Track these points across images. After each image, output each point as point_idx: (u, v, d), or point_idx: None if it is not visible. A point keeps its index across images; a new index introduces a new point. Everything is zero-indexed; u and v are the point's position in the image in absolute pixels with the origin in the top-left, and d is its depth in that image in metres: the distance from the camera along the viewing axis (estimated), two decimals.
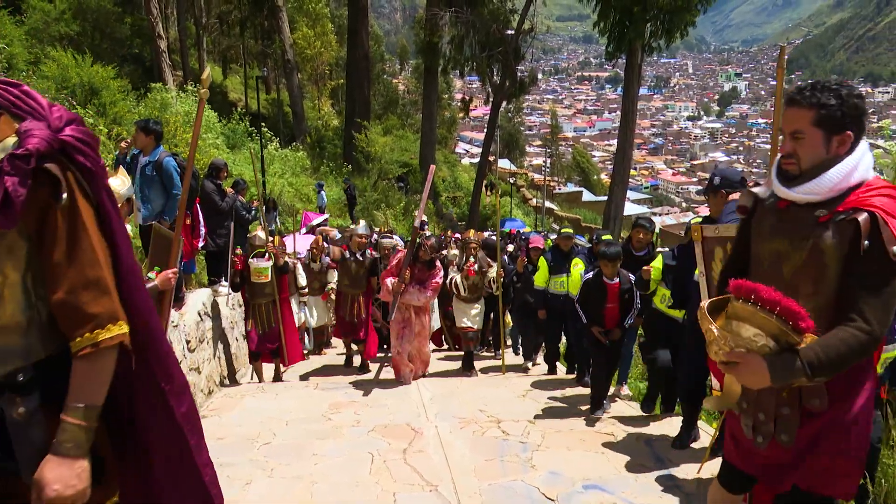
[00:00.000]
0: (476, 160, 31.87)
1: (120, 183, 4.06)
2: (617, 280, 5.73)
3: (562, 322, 7.70)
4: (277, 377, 7.88)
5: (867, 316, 2.05)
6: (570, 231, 7.95)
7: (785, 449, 2.24)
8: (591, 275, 5.93)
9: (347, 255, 8.14)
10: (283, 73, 29.63)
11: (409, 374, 7.13)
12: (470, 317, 8.06)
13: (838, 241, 2.08)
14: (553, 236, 11.23)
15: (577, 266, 7.20)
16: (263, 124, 21.09)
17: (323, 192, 21.06)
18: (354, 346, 8.41)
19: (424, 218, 7.13)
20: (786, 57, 3.60)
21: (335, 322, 8.60)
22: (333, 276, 8.67)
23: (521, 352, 9.27)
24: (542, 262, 7.72)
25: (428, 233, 7.80)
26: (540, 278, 7.73)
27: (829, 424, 2.18)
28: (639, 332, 6.64)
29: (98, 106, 11.76)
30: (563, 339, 8.20)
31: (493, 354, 9.54)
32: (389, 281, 6.90)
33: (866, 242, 2.03)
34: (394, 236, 12.04)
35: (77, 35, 17.93)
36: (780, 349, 2.08)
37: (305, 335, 9.09)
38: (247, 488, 4.16)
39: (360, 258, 8.07)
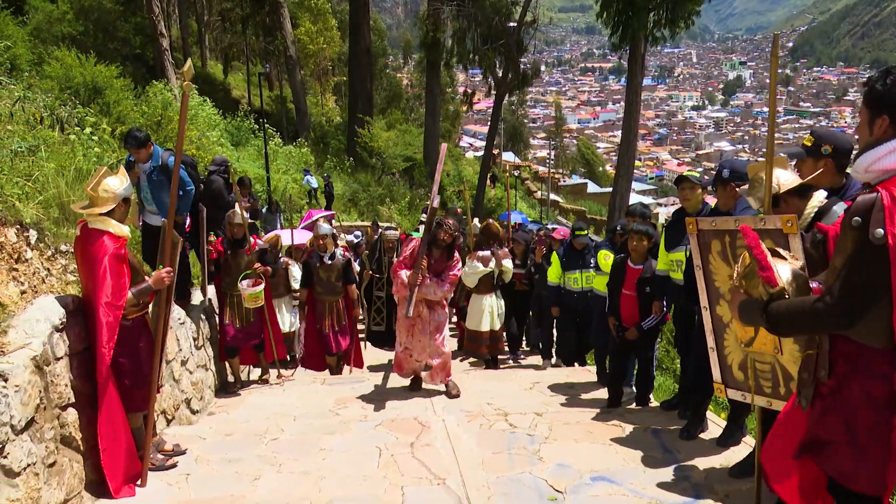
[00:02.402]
0: (480, 154, 31.82)
1: (118, 183, 4.06)
2: (640, 267, 5.56)
3: (576, 318, 7.55)
4: (265, 374, 7.32)
5: (833, 289, 2.16)
6: (585, 231, 7.69)
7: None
8: (620, 256, 5.82)
9: (314, 261, 7.44)
10: (286, 69, 29.61)
11: (411, 371, 6.44)
12: (482, 316, 7.63)
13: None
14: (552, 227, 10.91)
15: (608, 258, 6.78)
16: (265, 121, 21.05)
17: (310, 177, 20.89)
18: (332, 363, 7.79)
19: (437, 200, 6.31)
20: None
21: (304, 340, 7.74)
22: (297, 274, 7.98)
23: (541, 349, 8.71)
24: (555, 258, 7.54)
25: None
26: (553, 274, 7.52)
27: (831, 398, 2.31)
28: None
29: (102, 105, 11.78)
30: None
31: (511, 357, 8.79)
32: (404, 273, 6.05)
33: (857, 219, 2.10)
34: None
35: (79, 35, 17.95)
36: (769, 298, 2.38)
37: (297, 342, 8.20)
38: (255, 483, 4.17)
39: (329, 261, 7.39)
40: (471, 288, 7.69)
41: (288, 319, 8.03)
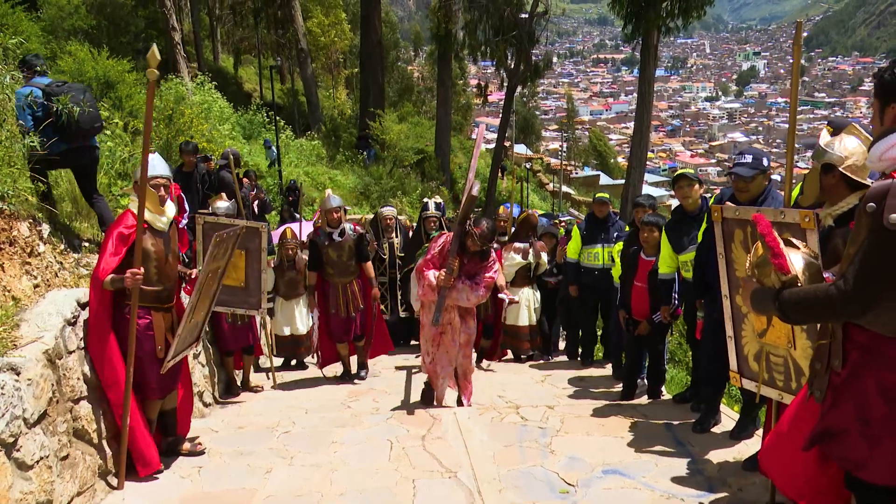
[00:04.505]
0: (492, 146, 31.70)
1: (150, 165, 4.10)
2: (653, 259, 5.50)
3: (597, 300, 7.20)
4: (245, 383, 6.71)
5: (847, 276, 2.13)
6: (606, 196, 7.34)
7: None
8: (633, 248, 5.79)
9: (321, 239, 6.59)
10: (297, 62, 29.60)
11: (444, 389, 5.71)
12: (519, 310, 7.37)
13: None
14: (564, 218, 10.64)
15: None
16: (277, 115, 21.04)
17: (273, 148, 20.12)
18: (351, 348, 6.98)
19: (476, 187, 5.48)
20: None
21: (319, 327, 6.92)
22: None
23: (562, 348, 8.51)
24: (576, 232, 7.25)
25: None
26: (572, 249, 7.17)
27: (844, 387, 2.29)
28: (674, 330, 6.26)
29: (114, 99, 11.80)
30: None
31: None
32: (433, 274, 5.27)
33: (872, 205, 2.08)
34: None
35: (92, 29, 18.01)
36: (781, 286, 2.36)
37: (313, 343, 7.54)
38: (267, 476, 4.18)
39: (338, 238, 6.56)
40: (508, 281, 7.30)
41: (307, 319, 7.52)
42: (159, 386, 4.20)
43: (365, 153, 25.69)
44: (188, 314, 4.10)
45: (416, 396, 5.96)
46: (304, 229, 9.81)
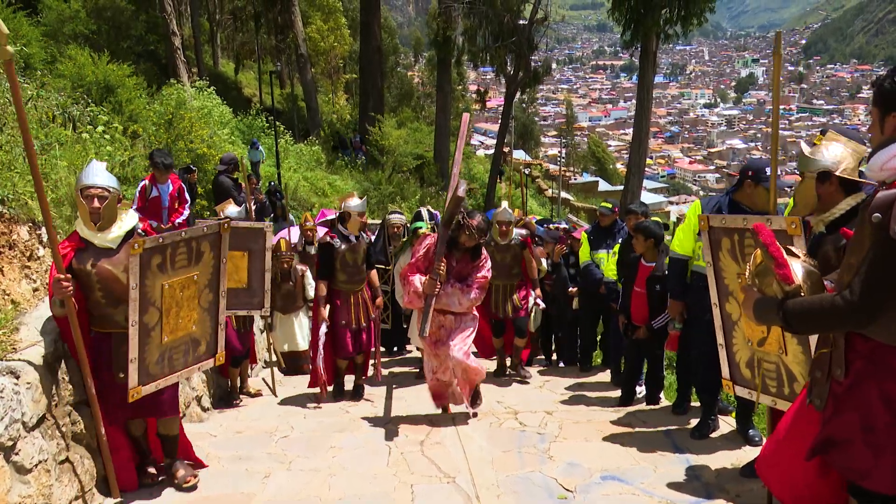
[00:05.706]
0: (491, 152, 31.79)
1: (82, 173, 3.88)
2: (652, 265, 5.53)
3: (600, 306, 7.10)
4: (243, 386, 6.65)
5: (853, 286, 2.11)
6: (609, 206, 7.34)
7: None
8: (634, 255, 5.81)
9: (338, 241, 6.14)
10: (297, 67, 29.67)
11: (455, 395, 5.34)
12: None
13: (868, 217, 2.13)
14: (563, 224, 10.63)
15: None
16: (277, 120, 21.06)
17: (261, 149, 19.67)
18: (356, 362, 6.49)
19: (463, 186, 4.99)
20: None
21: (325, 343, 6.18)
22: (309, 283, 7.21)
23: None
24: (584, 237, 7.27)
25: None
26: (583, 254, 7.14)
27: (846, 396, 2.26)
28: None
29: (114, 104, 11.82)
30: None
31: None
32: (418, 279, 4.93)
33: (877, 215, 2.06)
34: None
35: (92, 34, 18.04)
36: (784, 296, 2.33)
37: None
38: (265, 481, 4.18)
39: (355, 240, 6.18)
40: None
41: (308, 334, 7.28)
42: (126, 414, 3.85)
43: (362, 157, 25.69)
44: (145, 339, 3.66)
45: (414, 401, 5.96)
46: (293, 234, 9.61)
